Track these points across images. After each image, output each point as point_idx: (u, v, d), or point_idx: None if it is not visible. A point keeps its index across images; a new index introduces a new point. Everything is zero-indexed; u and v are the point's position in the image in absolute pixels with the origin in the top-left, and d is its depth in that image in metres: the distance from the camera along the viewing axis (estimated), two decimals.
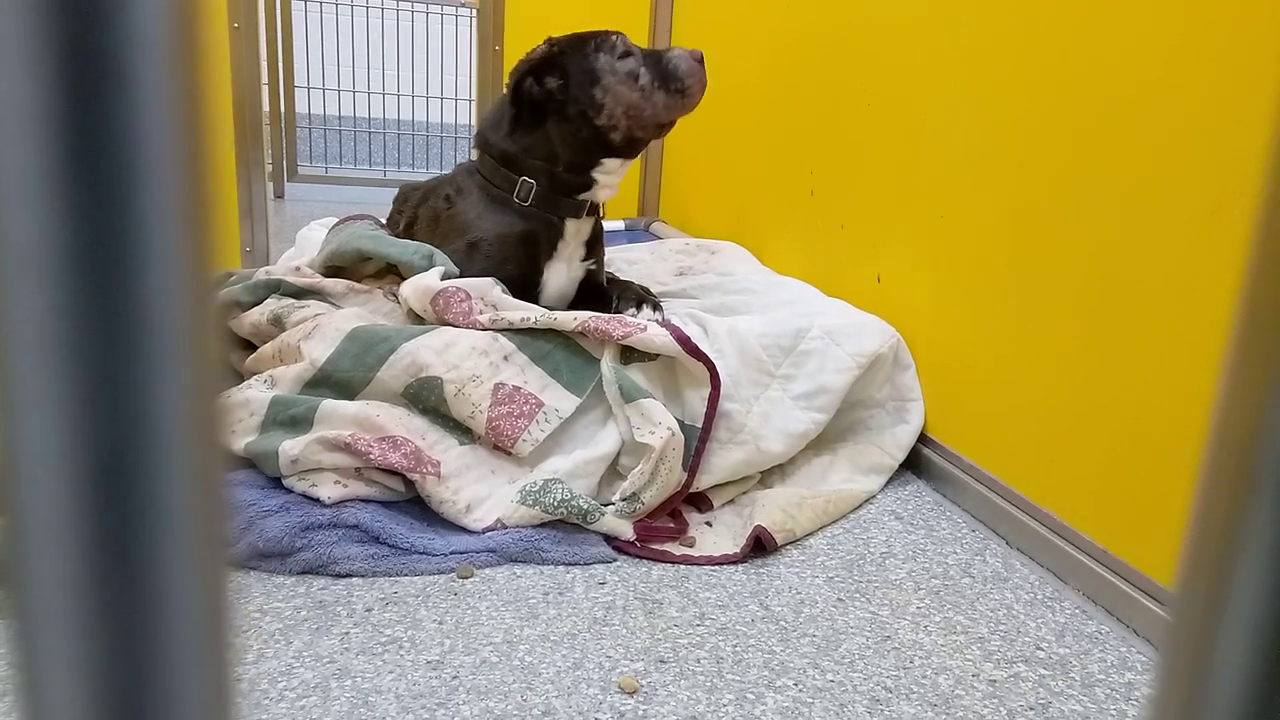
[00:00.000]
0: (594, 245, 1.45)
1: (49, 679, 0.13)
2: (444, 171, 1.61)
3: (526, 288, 1.35)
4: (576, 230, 1.40)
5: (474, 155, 1.47)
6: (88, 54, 0.12)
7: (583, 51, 1.34)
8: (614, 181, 1.42)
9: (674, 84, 1.32)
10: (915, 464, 1.26)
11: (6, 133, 0.12)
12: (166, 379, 0.13)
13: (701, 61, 1.34)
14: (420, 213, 1.52)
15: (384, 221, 1.63)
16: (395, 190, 1.69)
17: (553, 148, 1.35)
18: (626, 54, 1.33)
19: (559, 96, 1.34)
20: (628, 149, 1.38)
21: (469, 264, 1.32)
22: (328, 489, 0.99)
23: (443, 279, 1.24)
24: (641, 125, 1.35)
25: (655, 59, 1.34)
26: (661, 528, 1.04)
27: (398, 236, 1.52)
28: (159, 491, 0.13)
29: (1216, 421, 0.16)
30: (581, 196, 1.39)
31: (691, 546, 1.02)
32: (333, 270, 1.42)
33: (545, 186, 1.37)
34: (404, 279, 1.30)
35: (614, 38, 1.34)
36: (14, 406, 0.13)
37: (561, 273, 1.40)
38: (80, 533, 0.13)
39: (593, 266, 1.44)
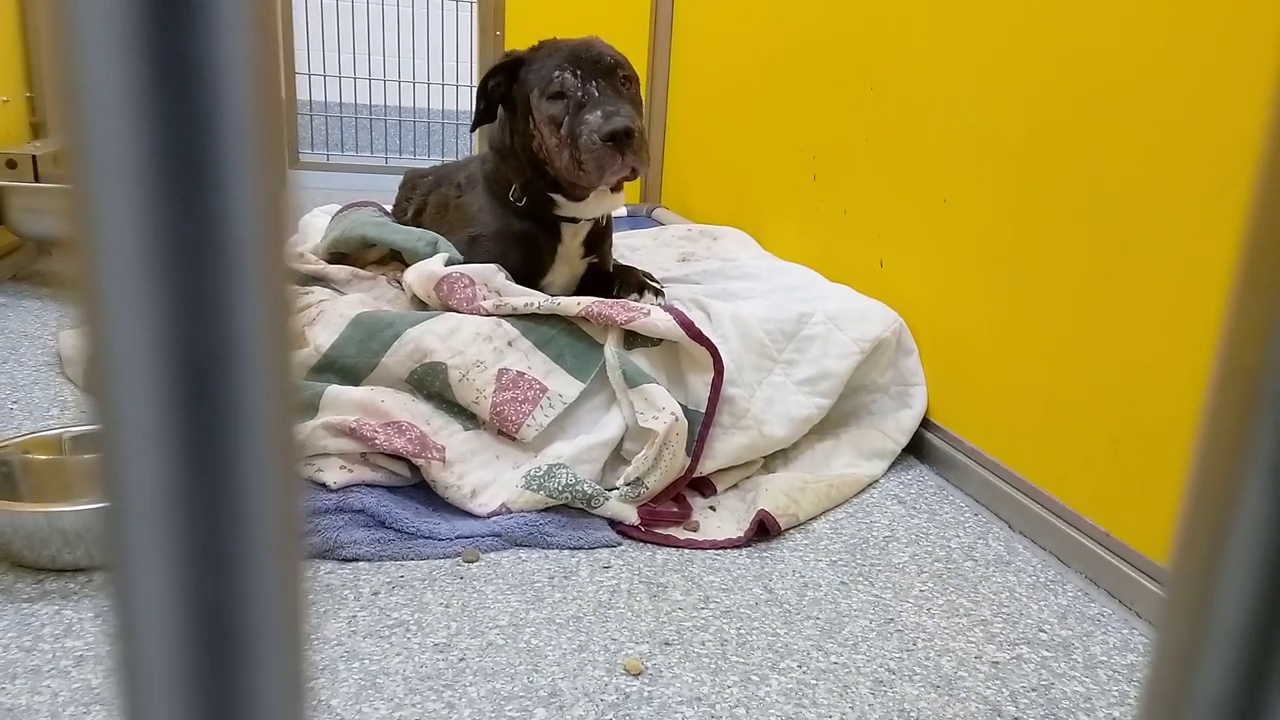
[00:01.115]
0: (598, 242, 1.42)
1: (139, 577, 0.14)
2: (445, 158, 1.61)
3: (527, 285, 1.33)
4: (575, 233, 1.38)
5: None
6: None
7: (535, 72, 1.26)
8: (584, 212, 1.34)
9: (575, 151, 1.21)
10: (918, 448, 1.27)
11: (97, 48, 0.13)
12: (247, 285, 0.14)
13: (618, 140, 1.18)
14: (431, 199, 1.51)
15: (388, 209, 1.63)
16: (397, 177, 1.69)
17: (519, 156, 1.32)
18: (558, 95, 1.22)
19: (509, 107, 1.31)
20: (564, 189, 1.30)
21: (470, 257, 1.32)
22: (333, 474, 0.99)
23: (447, 265, 1.25)
24: (562, 173, 1.26)
25: (578, 114, 1.21)
26: (665, 512, 1.04)
27: (406, 223, 1.52)
28: (241, 393, 0.14)
29: (1212, 391, 0.17)
30: (557, 213, 1.34)
31: (695, 531, 1.03)
32: (337, 257, 1.42)
33: (527, 193, 1.33)
34: (408, 265, 1.30)
35: (558, 75, 1.22)
36: (106, 313, 0.13)
37: (563, 272, 1.40)
38: (168, 433, 0.14)
39: (595, 260, 1.43)
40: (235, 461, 0.14)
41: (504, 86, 1.31)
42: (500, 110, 1.34)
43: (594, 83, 1.23)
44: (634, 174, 1.23)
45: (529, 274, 1.34)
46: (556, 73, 1.23)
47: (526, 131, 1.28)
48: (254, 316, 0.14)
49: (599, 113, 1.19)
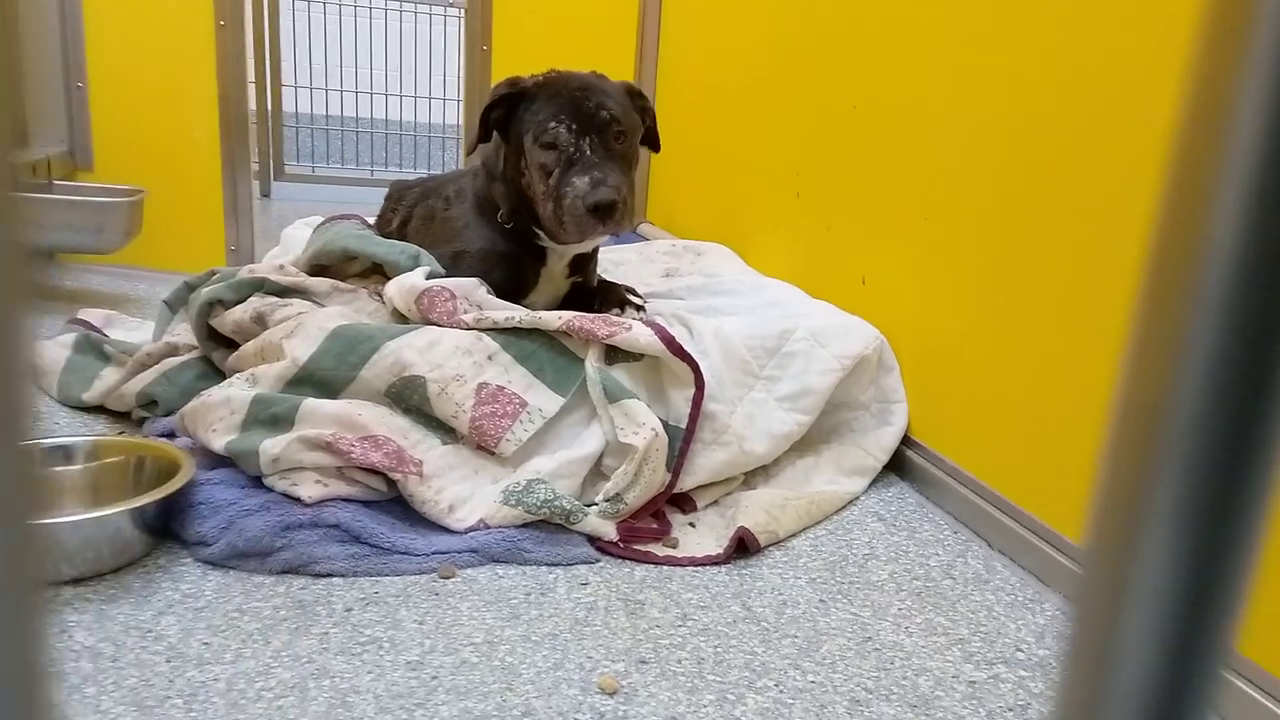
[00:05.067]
0: (584, 263, 1.41)
1: None
2: (431, 171, 1.60)
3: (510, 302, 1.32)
4: (561, 256, 1.37)
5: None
6: None
7: (534, 114, 1.24)
8: (566, 251, 1.33)
9: (558, 209, 1.21)
10: (898, 466, 1.27)
11: None
12: None
13: (600, 212, 1.17)
14: (417, 211, 1.51)
15: (370, 221, 1.62)
16: (382, 190, 1.69)
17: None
18: (550, 146, 1.21)
19: (504, 136, 1.31)
20: (551, 232, 1.28)
21: (453, 273, 1.31)
22: (309, 488, 0.98)
23: (428, 279, 1.24)
24: (544, 220, 1.25)
25: (568, 172, 1.20)
26: (644, 528, 1.04)
27: (392, 234, 1.51)
28: None
29: (1120, 397, 0.17)
30: (541, 244, 1.33)
31: (674, 547, 1.02)
32: (317, 269, 1.41)
33: (514, 219, 1.33)
34: (389, 279, 1.30)
35: (553, 126, 1.20)
36: None
37: (546, 292, 1.39)
38: None
39: (579, 279, 1.43)
40: None
41: (503, 115, 1.31)
42: (495, 134, 1.34)
43: (587, 139, 1.21)
44: (613, 236, 1.24)
45: (512, 292, 1.34)
46: (552, 124, 1.21)
47: (518, 167, 1.28)
48: None
49: (587, 179, 1.18)
